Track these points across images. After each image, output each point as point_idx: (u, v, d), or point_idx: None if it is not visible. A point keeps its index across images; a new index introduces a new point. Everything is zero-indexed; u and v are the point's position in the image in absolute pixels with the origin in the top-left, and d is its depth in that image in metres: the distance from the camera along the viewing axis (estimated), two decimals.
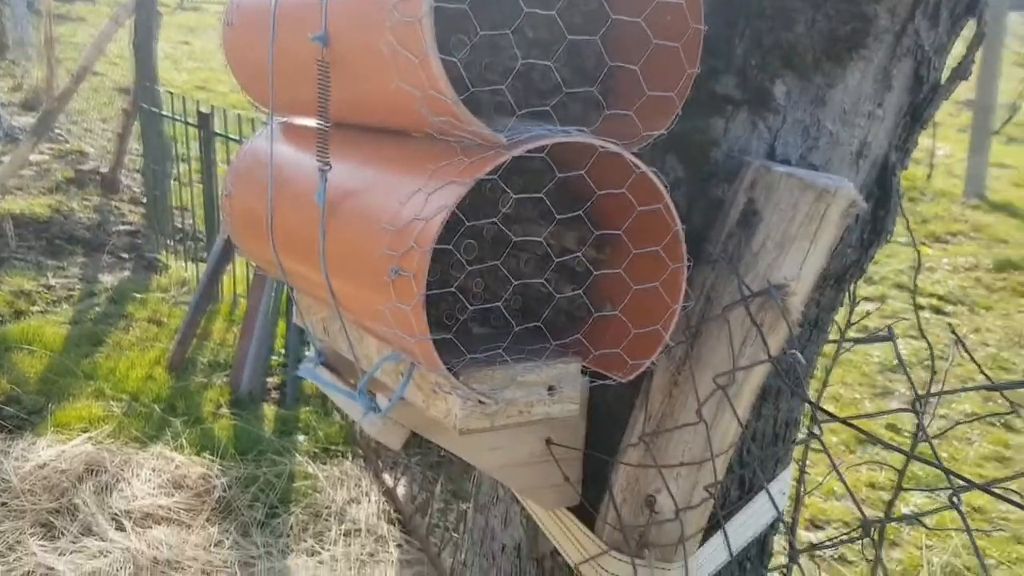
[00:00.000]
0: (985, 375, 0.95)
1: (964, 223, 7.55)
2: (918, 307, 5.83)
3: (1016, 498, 0.82)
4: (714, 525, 1.12)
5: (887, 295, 5.98)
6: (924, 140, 10.31)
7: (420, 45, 0.76)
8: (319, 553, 2.64)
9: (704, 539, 1.10)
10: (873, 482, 3.71)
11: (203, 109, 4.51)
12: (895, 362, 5.05)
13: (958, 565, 3.19)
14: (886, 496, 3.60)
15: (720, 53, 1.03)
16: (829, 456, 0.84)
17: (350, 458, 3.26)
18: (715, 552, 1.13)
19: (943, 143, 10.52)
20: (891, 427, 4.22)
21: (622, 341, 0.90)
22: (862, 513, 0.87)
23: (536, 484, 1.10)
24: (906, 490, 1.48)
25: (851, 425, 0.91)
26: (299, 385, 3.81)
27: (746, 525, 1.18)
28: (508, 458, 1.08)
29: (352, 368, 1.19)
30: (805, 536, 3.24)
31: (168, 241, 5.36)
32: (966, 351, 1.35)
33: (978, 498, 3.58)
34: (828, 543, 2.89)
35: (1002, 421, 4.32)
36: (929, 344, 1.22)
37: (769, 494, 1.10)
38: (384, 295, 0.84)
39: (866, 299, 5.87)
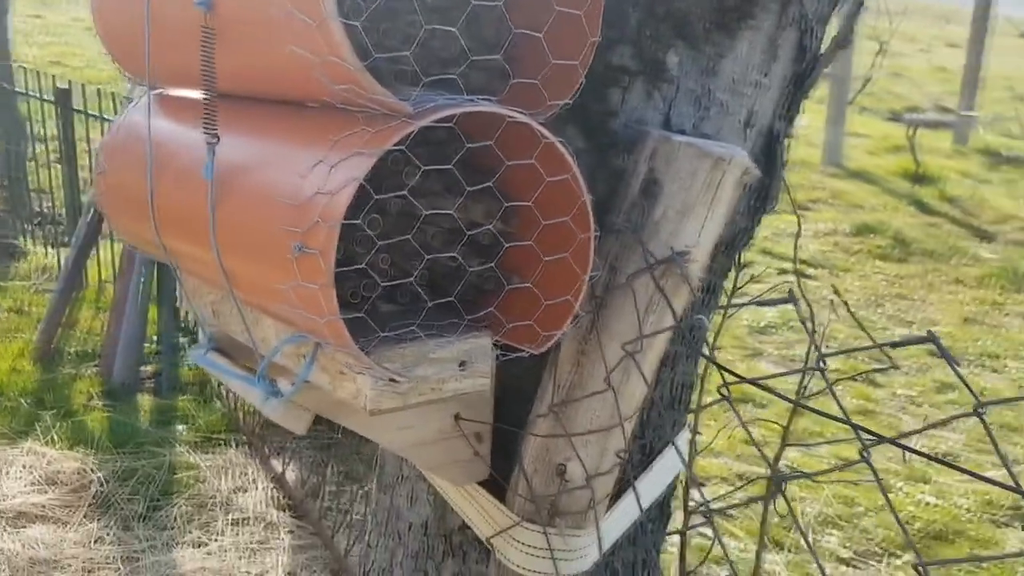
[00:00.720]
0: (869, 335, 1.00)
1: (823, 190, 7.94)
2: (783, 271, 6.10)
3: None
4: (622, 488, 1.14)
5: (753, 260, 6.23)
6: None
7: (318, 9, 0.73)
8: (206, 544, 2.56)
9: (610, 505, 1.12)
10: (745, 439, 3.87)
11: (60, 84, 4.24)
12: (763, 324, 5.28)
13: (830, 514, 3.38)
14: (769, 452, 3.77)
15: (615, 23, 1.03)
16: (737, 414, 0.87)
17: (234, 446, 3.17)
18: (622, 516, 1.15)
19: (802, 113, 11.02)
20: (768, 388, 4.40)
21: (534, 313, 0.90)
22: (772, 469, 0.90)
23: (446, 460, 1.09)
24: (791, 445, 1.55)
25: (759, 385, 0.94)
26: (175, 373, 3.66)
27: (651, 487, 1.21)
28: (417, 436, 1.06)
29: (247, 352, 1.14)
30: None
31: (27, 226, 5.03)
32: (850, 312, 1.41)
33: (845, 450, 3.79)
34: (737, 502, 2.97)
35: (865, 378, 4.58)
36: (809, 305, 1.27)
37: (678, 451, 1.12)
38: (287, 274, 0.81)
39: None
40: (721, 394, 0.92)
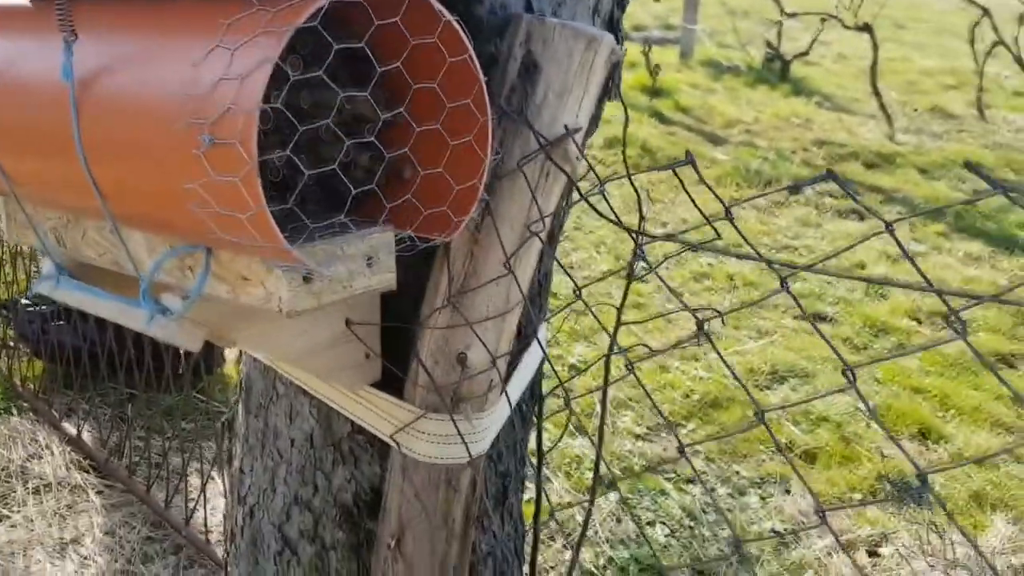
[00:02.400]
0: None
1: None
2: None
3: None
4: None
5: None
6: None
7: None
8: (9, 517, 2.34)
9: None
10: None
11: None
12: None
13: (622, 397, 3.65)
14: (562, 351, 3.97)
15: None
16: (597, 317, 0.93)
17: (16, 413, 2.88)
18: (513, 396, 1.20)
19: None
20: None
21: (445, 200, 0.91)
22: (613, 339, 0.97)
23: (339, 366, 1.08)
24: (632, 323, 1.66)
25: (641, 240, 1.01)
26: None
27: (527, 371, 1.27)
28: (311, 344, 1.04)
29: (103, 277, 1.06)
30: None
31: None
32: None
33: (625, 339, 4.08)
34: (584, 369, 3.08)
35: (631, 274, 4.91)
36: (637, 192, 1.36)
37: (538, 338, 1.18)
38: (195, 171, 0.76)
39: None
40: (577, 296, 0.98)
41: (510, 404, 1.09)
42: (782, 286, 0.81)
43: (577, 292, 1.17)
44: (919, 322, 4.23)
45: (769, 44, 8.48)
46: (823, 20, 7.44)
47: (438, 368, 1.07)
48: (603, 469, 3.07)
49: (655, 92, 8.59)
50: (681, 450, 0.98)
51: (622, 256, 5.24)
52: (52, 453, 2.62)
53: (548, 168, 1.02)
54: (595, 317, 1.22)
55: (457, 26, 0.85)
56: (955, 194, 5.81)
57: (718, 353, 0.97)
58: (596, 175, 0.99)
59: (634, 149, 7.07)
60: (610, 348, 1.81)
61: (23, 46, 0.92)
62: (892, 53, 9.37)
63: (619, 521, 2.84)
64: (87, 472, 2.57)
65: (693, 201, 1.12)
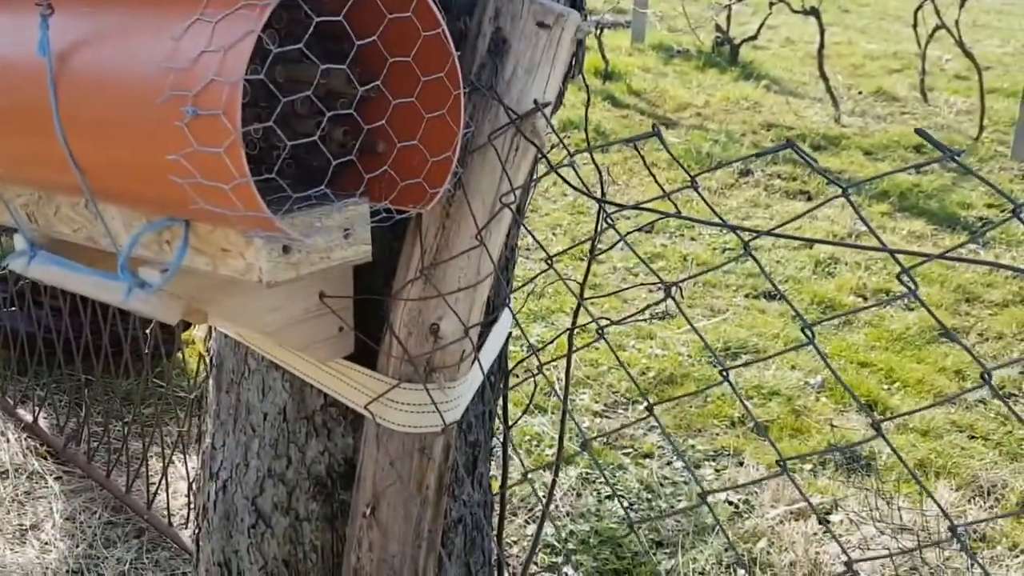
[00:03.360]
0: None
1: None
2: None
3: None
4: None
5: None
6: None
7: None
8: None
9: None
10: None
11: None
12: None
13: (580, 376, 3.70)
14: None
15: None
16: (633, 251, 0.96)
17: None
18: (476, 370, 1.23)
19: None
20: None
21: (420, 172, 0.93)
22: (577, 312, 1.01)
23: (313, 339, 1.10)
24: (594, 297, 1.70)
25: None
26: None
27: (495, 343, 1.30)
28: (286, 317, 1.06)
29: (78, 252, 1.06)
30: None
31: None
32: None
33: (581, 318, 4.14)
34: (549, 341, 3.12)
35: (594, 246, 4.97)
36: (600, 171, 1.40)
37: (509, 309, 1.21)
38: (178, 142, 0.77)
39: None
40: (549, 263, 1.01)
41: (483, 372, 1.12)
42: (745, 250, 0.85)
43: (549, 260, 1.19)
44: (865, 299, 4.35)
45: (719, 28, 8.58)
46: (771, 4, 7.56)
47: (411, 339, 1.09)
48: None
49: (607, 75, 8.65)
50: (649, 409, 1.02)
51: (578, 237, 5.30)
52: (7, 440, 2.58)
53: (518, 142, 1.04)
54: (566, 286, 1.25)
55: (431, 2, 0.87)
56: (900, 176, 5.96)
57: (686, 318, 1.01)
58: (567, 148, 1.02)
59: (589, 132, 7.12)
60: (574, 320, 1.85)
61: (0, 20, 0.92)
62: (838, 37, 9.56)
63: (579, 496, 2.89)
64: (45, 459, 2.55)
65: (655, 177, 1.16)
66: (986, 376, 0.68)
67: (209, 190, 0.78)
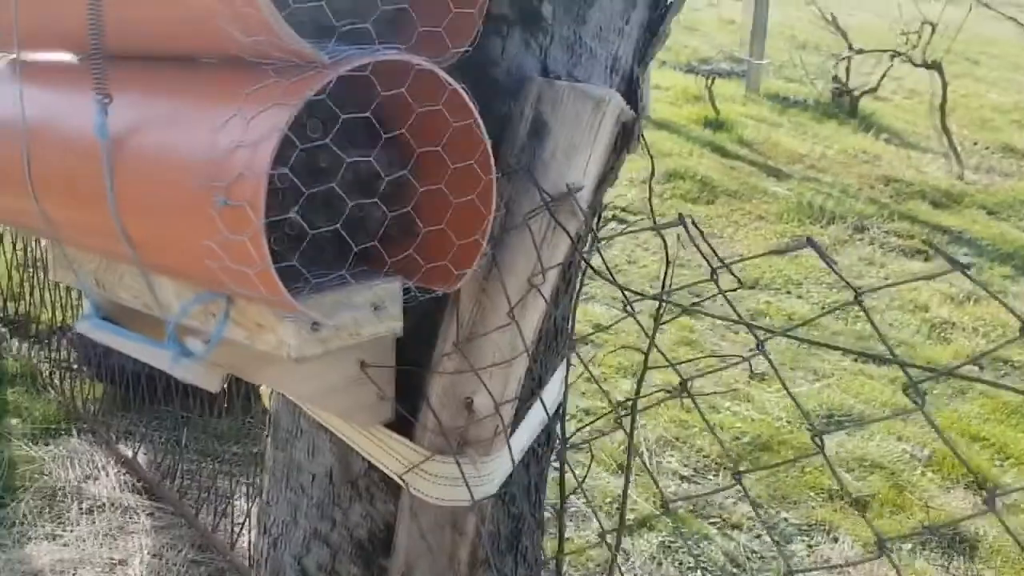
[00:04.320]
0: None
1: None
2: (614, 219, 6.38)
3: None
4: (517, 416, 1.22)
5: None
6: None
7: None
8: (61, 536, 2.44)
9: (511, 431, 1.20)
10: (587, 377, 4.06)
11: None
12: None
13: (668, 437, 3.63)
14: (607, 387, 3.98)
15: None
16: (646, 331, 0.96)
17: (76, 435, 3.01)
18: (519, 442, 1.23)
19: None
20: (599, 327, 4.64)
21: (445, 254, 0.95)
22: (641, 380, 1.00)
23: (354, 405, 1.13)
24: (652, 367, 1.68)
25: (622, 289, 1.04)
26: (0, 365, 3.41)
27: (539, 412, 1.30)
28: (326, 384, 1.09)
29: (136, 319, 1.13)
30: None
31: None
32: (705, 245, 1.55)
33: (672, 377, 4.07)
34: (594, 419, 3.12)
35: (680, 310, 4.91)
36: (663, 239, 1.39)
37: (564, 381, 1.21)
38: (210, 229, 0.82)
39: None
40: (627, 307, 1.00)
41: (511, 451, 1.12)
42: (856, 301, 0.80)
43: (628, 307, 1.15)
44: (981, 368, 4.12)
45: (836, 79, 8.38)
46: (893, 56, 7.35)
47: (445, 412, 1.11)
48: (644, 510, 3.06)
49: (717, 125, 8.56)
50: (737, 477, 0.99)
51: (673, 292, 5.22)
52: (107, 474, 2.73)
53: (554, 223, 1.05)
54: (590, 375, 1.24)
55: (463, 93, 0.90)
56: None
57: (779, 379, 0.99)
58: (595, 233, 1.03)
59: (692, 183, 7.06)
60: (637, 389, 1.82)
61: (68, 100, 1.00)
62: (964, 89, 9.18)
63: (659, 564, 2.82)
64: (139, 494, 2.67)
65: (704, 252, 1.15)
66: None
67: (237, 273, 0.82)
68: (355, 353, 1.12)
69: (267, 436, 1.42)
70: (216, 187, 0.80)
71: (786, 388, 0.97)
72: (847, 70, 8.29)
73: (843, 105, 8.38)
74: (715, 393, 3.88)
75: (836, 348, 4.20)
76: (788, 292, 5.30)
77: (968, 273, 0.62)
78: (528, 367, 1.27)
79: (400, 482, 1.14)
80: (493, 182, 0.95)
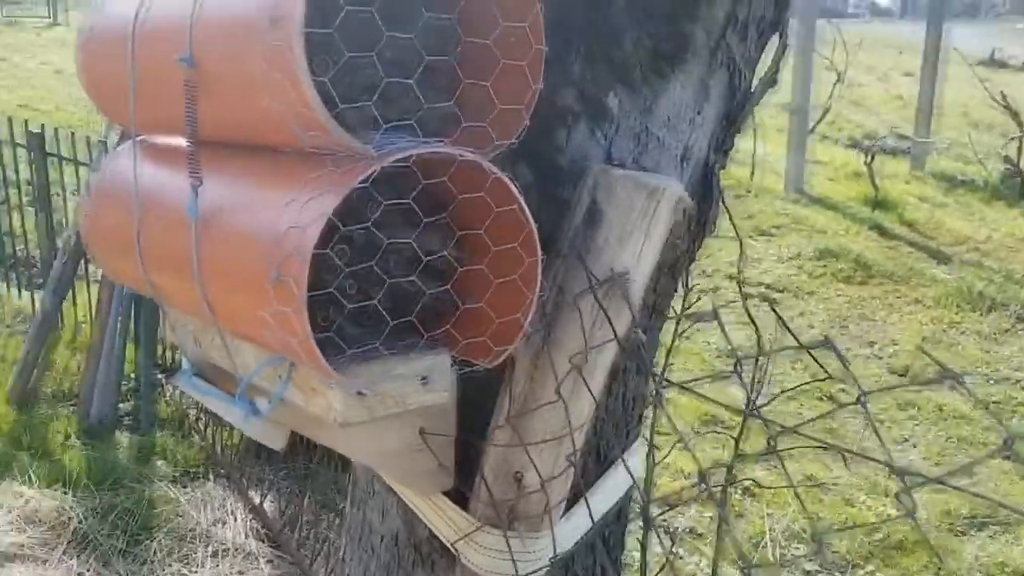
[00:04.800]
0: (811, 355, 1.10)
1: (786, 216, 8.13)
2: (749, 296, 6.24)
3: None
4: (576, 496, 1.23)
5: (720, 286, 6.38)
6: (746, 142, 11.05)
7: (291, 68, 0.83)
8: None
9: (568, 509, 1.21)
10: (718, 459, 3.97)
11: (33, 129, 4.31)
12: (730, 348, 5.38)
13: (796, 528, 3.48)
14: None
15: (560, 70, 1.14)
16: (672, 423, 0.97)
17: (212, 479, 3.22)
18: (578, 521, 1.24)
19: (765, 144, 11.30)
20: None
21: (487, 330, 1.00)
22: (730, 471, 1.00)
23: (412, 472, 1.18)
24: (743, 456, 1.64)
25: (689, 390, 1.04)
26: (153, 409, 3.70)
27: (605, 495, 1.30)
28: (384, 448, 1.15)
29: (226, 376, 1.23)
30: (657, 512, 3.45)
31: (1, 269, 5.06)
32: (789, 331, 1.52)
33: (810, 465, 3.91)
34: (675, 499, 3.06)
35: (828, 395, 4.72)
36: (754, 322, 1.38)
37: (625, 464, 1.22)
38: (265, 301, 0.90)
39: (701, 291, 6.24)
40: (657, 395, 1.01)
41: (552, 526, 1.14)
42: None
43: (755, 411, 1.10)
44: None
45: (1008, 159, 7.93)
46: None
47: (497, 484, 1.14)
48: None
49: (878, 203, 8.26)
50: None
51: (819, 374, 5.03)
52: (236, 519, 2.89)
53: (608, 303, 1.08)
54: (693, 456, 1.24)
55: (507, 181, 0.95)
56: None
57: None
58: (611, 324, 1.04)
59: (846, 262, 6.82)
60: (727, 477, 1.78)
61: (172, 179, 1.13)
62: None
63: None
64: (262, 541, 2.82)
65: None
66: None
67: (285, 342, 0.90)
68: (415, 420, 1.17)
69: (348, 494, 1.49)
70: (272, 264, 0.89)
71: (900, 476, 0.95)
72: (1019, 150, 7.83)
73: (1013, 187, 7.90)
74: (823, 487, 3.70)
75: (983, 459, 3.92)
76: (940, 380, 4.99)
77: None
78: (593, 446, 1.29)
79: (453, 550, 1.18)
80: (537, 264, 1.00)
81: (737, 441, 1.68)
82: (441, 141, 0.91)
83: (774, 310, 1.22)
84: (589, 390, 1.07)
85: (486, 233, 0.98)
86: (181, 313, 1.26)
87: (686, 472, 3.79)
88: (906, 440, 4.26)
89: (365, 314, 1.05)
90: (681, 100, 1.20)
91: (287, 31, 0.82)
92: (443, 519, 1.20)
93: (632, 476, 1.35)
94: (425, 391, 1.02)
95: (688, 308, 1.53)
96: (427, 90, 1.01)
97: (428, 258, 1.01)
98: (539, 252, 1.00)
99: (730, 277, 6.65)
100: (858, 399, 0.85)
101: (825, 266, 6.82)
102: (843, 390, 4.83)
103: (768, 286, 6.48)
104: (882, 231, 7.62)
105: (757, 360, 1.51)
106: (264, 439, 1.09)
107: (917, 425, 4.43)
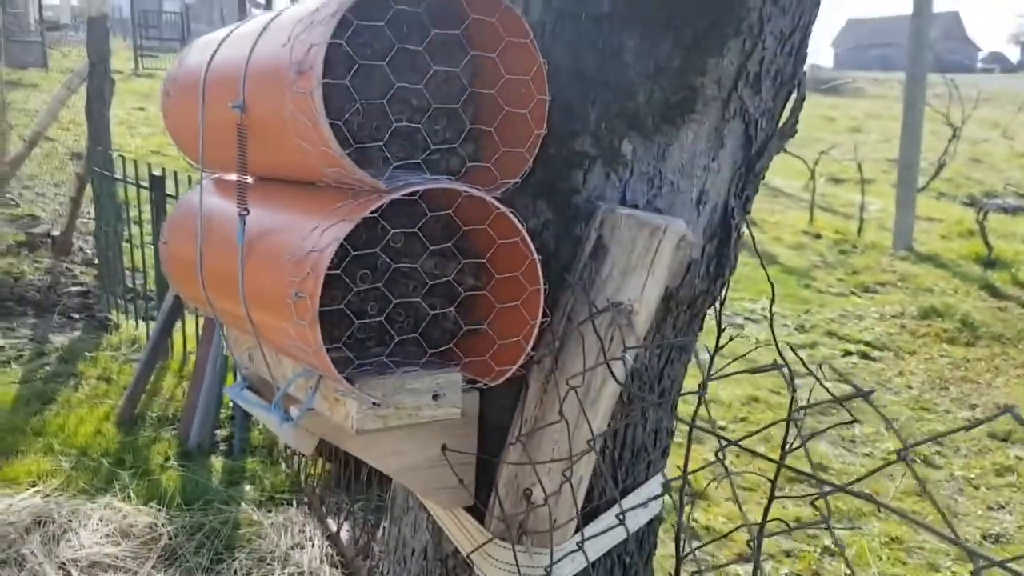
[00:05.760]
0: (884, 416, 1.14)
1: (892, 273, 7.91)
2: (847, 353, 6.10)
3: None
4: (591, 517, 1.30)
5: (818, 342, 6.25)
6: (854, 195, 10.82)
7: (312, 113, 0.96)
8: None
9: (580, 531, 1.27)
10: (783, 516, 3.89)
11: (156, 172, 4.67)
12: (818, 402, 5.26)
13: None
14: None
15: (578, 118, 1.24)
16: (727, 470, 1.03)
17: (295, 505, 3.38)
18: (592, 545, 1.30)
19: (876, 198, 11.02)
20: (821, 467, 4.43)
21: (491, 351, 1.09)
22: (761, 530, 1.05)
23: (434, 486, 1.27)
24: (780, 497, 1.65)
25: (721, 437, 1.10)
26: (247, 437, 3.92)
27: (630, 519, 1.36)
28: (408, 462, 1.25)
29: (270, 389, 1.36)
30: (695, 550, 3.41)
31: (119, 301, 5.46)
32: (843, 382, 1.54)
33: (896, 528, 3.79)
34: (711, 540, 3.04)
35: (922, 458, 4.56)
36: (789, 374, 1.42)
37: (665, 490, 1.28)
38: (289, 316, 1.02)
39: (798, 346, 6.14)
40: (718, 458, 0.99)
41: (552, 543, 1.20)
42: None
43: (822, 499, 0.99)
44: None
45: None
46: None
47: (508, 499, 1.22)
48: None
49: (991, 263, 7.96)
50: None
51: (913, 435, 4.87)
52: (313, 544, 3.03)
53: (611, 332, 1.16)
54: (734, 496, 1.28)
55: (510, 215, 1.05)
56: None
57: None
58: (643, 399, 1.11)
59: (952, 322, 6.58)
60: (760, 533, 1.81)
61: (228, 210, 1.27)
62: None
63: None
64: (335, 567, 2.94)
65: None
66: None
67: (303, 352, 1.02)
68: (438, 436, 1.27)
69: (388, 509, 1.59)
70: (295, 283, 1.01)
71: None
72: None
73: None
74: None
75: None
76: None
77: None
78: (610, 472, 1.35)
79: (468, 561, 1.26)
80: (539, 292, 1.08)
81: (772, 490, 1.70)
82: (448, 178, 1.02)
83: (808, 369, 1.26)
84: (584, 414, 1.14)
85: (492, 262, 1.08)
86: (237, 332, 1.40)
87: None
88: (1002, 507, 4.07)
89: (388, 335, 1.16)
90: (694, 147, 1.27)
91: (309, 81, 0.95)
92: (463, 532, 1.28)
93: (655, 507, 1.40)
94: (437, 406, 1.12)
95: (720, 347, 1.58)
96: (450, 132, 1.13)
97: (433, 282, 1.11)
98: (541, 282, 1.09)
99: (829, 333, 6.52)
100: (899, 454, 0.74)
101: (929, 325, 6.61)
102: (938, 452, 4.67)
103: (868, 343, 6.31)
104: (993, 291, 7.33)
105: (789, 419, 1.54)
106: (295, 443, 1.20)
107: (1015, 491, 4.23)
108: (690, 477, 1.45)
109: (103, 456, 3.72)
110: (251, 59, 1.09)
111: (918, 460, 4.61)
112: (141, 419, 4.08)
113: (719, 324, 1.52)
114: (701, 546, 3.26)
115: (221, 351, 3.99)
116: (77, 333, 5.28)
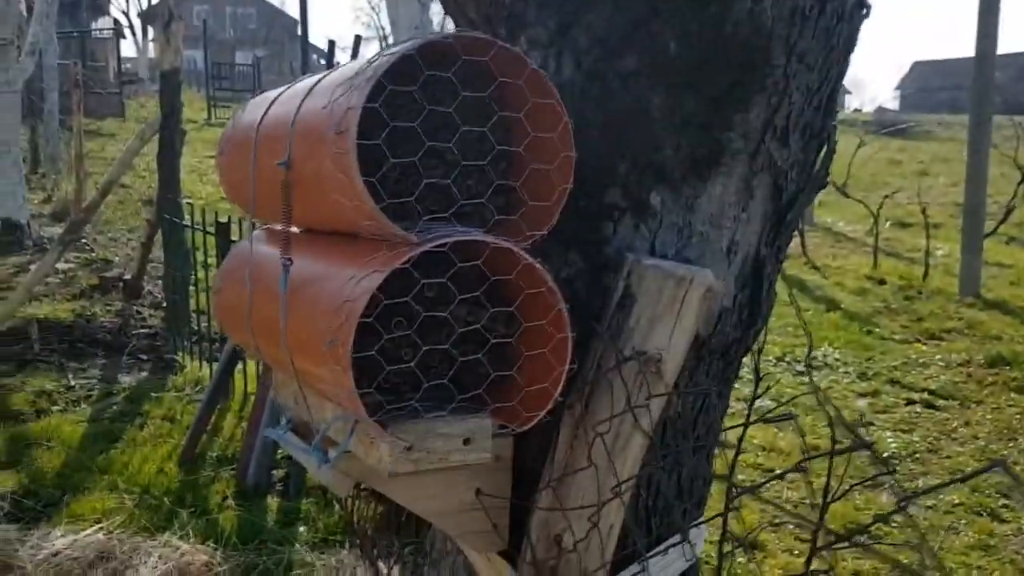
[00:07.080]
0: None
1: (959, 320, 7.72)
2: (910, 402, 5.95)
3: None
4: (625, 564, 1.31)
5: (880, 390, 6.11)
6: (920, 240, 10.61)
7: (349, 170, 1.02)
8: None
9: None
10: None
11: (222, 219, 4.85)
12: (884, 455, 5.13)
13: None
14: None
15: (607, 172, 1.28)
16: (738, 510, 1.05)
17: (348, 547, 3.42)
18: None
19: (943, 243, 10.79)
20: (881, 518, 4.31)
21: (520, 397, 1.13)
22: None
23: (468, 530, 1.30)
24: (820, 549, 1.63)
25: (751, 491, 1.12)
26: (303, 478, 3.98)
27: (656, 570, 1.37)
28: (442, 506, 1.28)
29: (312, 432, 1.41)
30: None
31: (185, 343, 5.63)
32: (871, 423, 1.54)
33: None
34: None
35: (988, 511, 4.41)
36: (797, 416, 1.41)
37: (692, 539, 1.29)
38: (325, 361, 1.08)
39: (860, 394, 6.02)
40: (731, 485, 1.08)
41: None
42: None
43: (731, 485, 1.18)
44: None
45: None
46: None
47: (539, 545, 1.24)
48: None
49: None
50: None
51: (981, 490, 4.71)
52: None
53: (641, 380, 1.18)
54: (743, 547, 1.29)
55: (536, 266, 1.09)
56: None
57: None
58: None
59: (1021, 371, 6.38)
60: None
61: (274, 260, 1.34)
62: None
63: None
64: None
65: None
66: None
67: (337, 395, 1.06)
68: (473, 480, 1.30)
69: (427, 553, 1.62)
70: (331, 330, 1.06)
71: None
72: None
73: None
74: None
75: None
76: None
77: None
78: (643, 520, 1.36)
79: None
80: (567, 340, 1.12)
81: (812, 547, 1.68)
82: (478, 230, 1.07)
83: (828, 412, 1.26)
84: (612, 461, 1.17)
85: (521, 311, 1.12)
86: (282, 375, 1.46)
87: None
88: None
89: (423, 381, 1.20)
90: (723, 199, 1.30)
91: (346, 141, 1.01)
92: (494, 574, 1.31)
93: (690, 554, 1.41)
94: (468, 451, 1.15)
95: (759, 396, 1.58)
96: (483, 186, 1.18)
97: (464, 329, 1.15)
98: (569, 330, 1.12)
99: (892, 382, 6.37)
100: (899, 504, 0.79)
101: (997, 374, 6.41)
102: (1005, 505, 4.51)
103: (932, 392, 6.15)
104: None
105: (828, 476, 1.53)
106: (331, 485, 1.25)
107: None
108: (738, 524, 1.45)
109: (164, 494, 3.83)
110: (296, 119, 1.16)
111: (983, 514, 4.47)
112: (202, 458, 4.19)
113: (757, 372, 1.53)
114: None
115: None
116: (144, 374, 5.45)
